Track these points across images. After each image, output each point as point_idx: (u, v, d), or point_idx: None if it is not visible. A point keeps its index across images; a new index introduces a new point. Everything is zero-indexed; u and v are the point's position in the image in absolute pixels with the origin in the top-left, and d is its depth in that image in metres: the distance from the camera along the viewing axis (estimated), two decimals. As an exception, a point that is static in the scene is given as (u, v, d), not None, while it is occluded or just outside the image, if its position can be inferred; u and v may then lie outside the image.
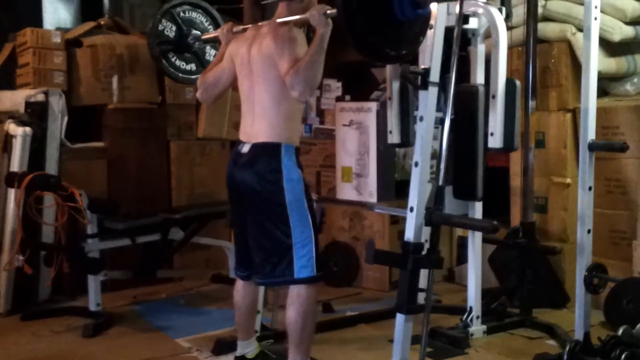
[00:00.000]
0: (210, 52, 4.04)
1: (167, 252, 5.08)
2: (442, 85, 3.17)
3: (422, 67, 3.06)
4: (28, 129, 4.68)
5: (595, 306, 3.92)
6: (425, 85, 3.11)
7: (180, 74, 4.11)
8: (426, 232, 3.08)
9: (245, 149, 3.28)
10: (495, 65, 3.80)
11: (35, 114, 4.79)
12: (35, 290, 4.76)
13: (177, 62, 4.03)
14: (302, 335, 3.23)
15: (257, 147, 3.25)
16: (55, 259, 4.37)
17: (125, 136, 5.38)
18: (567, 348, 3.41)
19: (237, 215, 3.47)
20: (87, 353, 3.96)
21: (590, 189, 3.51)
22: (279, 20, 3.31)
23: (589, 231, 3.52)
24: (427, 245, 3.07)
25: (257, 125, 3.27)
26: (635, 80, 4.62)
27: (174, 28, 3.96)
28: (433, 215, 3.04)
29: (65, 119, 4.91)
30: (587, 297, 3.55)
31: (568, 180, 4.59)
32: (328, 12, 3.03)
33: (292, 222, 3.18)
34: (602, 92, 4.53)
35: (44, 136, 4.80)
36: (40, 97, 4.82)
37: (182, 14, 4.01)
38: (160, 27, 3.96)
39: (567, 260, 4.44)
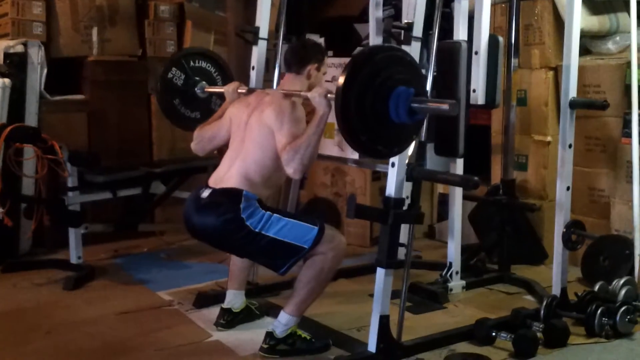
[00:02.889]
0: (216, 102, 3.98)
1: (148, 205, 5.07)
2: (425, 42, 3.15)
3: (405, 22, 3.04)
4: (7, 81, 4.61)
5: (572, 262, 3.98)
6: (408, 40, 3.10)
7: (184, 123, 4.05)
8: (407, 188, 3.09)
9: (205, 193, 3.21)
10: (478, 21, 3.78)
11: (14, 65, 4.72)
12: (16, 243, 4.75)
13: (183, 110, 3.97)
14: (308, 297, 3.21)
15: (216, 192, 3.19)
16: (35, 212, 4.35)
17: (105, 89, 5.33)
18: (544, 303, 3.46)
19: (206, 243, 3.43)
20: (68, 305, 3.96)
21: (570, 146, 3.54)
22: (282, 91, 3.31)
23: (568, 188, 3.56)
24: (408, 201, 3.09)
25: (232, 172, 3.23)
26: (617, 38, 4.62)
27: (182, 76, 3.90)
28: (414, 171, 3.06)
29: (45, 70, 4.86)
30: (565, 253, 3.60)
31: (549, 138, 4.61)
32: (329, 95, 3.00)
33: (264, 231, 3.11)
34: (584, 51, 4.53)
35: (23, 88, 4.74)
36: (19, 48, 4.75)
37: (192, 62, 3.94)
38: (170, 75, 3.88)
39: (546, 218, 4.48)
